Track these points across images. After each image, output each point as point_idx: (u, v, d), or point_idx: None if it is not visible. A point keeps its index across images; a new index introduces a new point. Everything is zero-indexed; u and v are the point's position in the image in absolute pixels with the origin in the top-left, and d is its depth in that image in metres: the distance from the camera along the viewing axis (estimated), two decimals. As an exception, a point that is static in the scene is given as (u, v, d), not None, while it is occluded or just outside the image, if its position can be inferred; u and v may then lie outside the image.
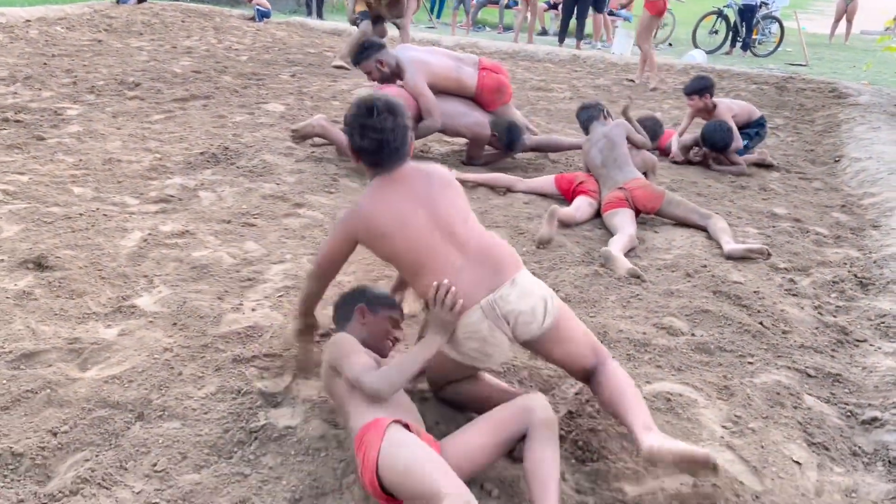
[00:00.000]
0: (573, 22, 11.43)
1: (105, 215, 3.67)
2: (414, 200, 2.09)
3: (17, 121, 5.16)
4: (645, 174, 4.25)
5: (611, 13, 13.47)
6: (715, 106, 5.39)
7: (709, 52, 12.30)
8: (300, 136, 4.66)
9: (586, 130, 4.44)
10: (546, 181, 4.45)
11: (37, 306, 2.75)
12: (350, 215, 2.17)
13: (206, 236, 3.49)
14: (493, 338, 1.98)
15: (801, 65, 11.68)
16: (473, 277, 2.00)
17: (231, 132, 5.30)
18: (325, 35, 10.99)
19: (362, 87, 7.25)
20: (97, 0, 12.35)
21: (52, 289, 2.88)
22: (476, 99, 4.95)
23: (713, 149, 5.13)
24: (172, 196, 4.01)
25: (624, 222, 3.79)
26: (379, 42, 4.93)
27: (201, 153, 4.68)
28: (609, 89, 7.98)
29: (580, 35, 11.64)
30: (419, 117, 4.76)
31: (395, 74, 4.80)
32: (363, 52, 4.78)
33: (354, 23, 8.09)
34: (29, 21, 9.78)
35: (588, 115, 4.45)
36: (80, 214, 3.64)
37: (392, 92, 4.71)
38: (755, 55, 12.91)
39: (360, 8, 8.02)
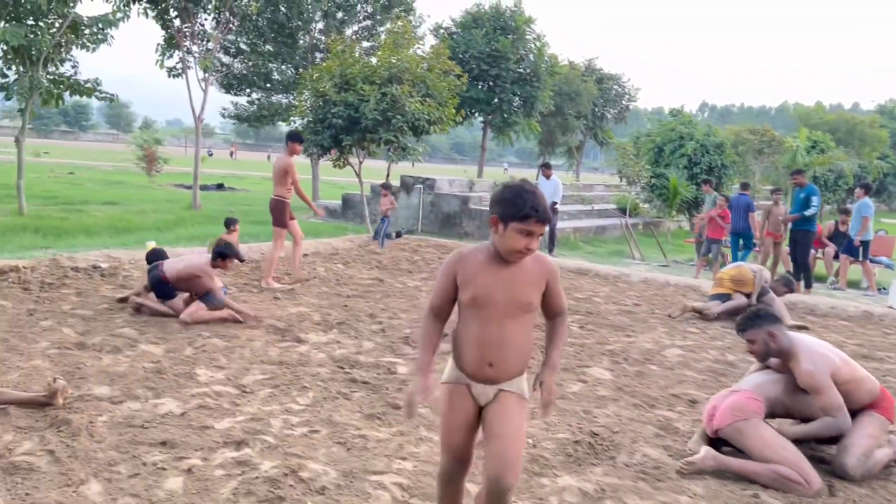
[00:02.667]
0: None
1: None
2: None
3: (364, 382, 5.00)
4: None
5: (871, 259, 12.47)
6: None
7: None
8: (695, 472, 3.94)
9: None
10: None
11: None
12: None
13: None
14: None
15: None
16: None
17: (578, 408, 4.79)
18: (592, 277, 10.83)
19: (708, 349, 6.68)
20: (354, 234, 13.31)
21: None
22: (866, 407, 4.14)
23: None
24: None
25: None
26: (775, 314, 4.37)
27: (575, 442, 4.15)
28: (953, 363, 6.83)
29: (807, 282, 11.11)
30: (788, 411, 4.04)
31: (781, 354, 4.15)
32: (756, 320, 4.22)
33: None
34: (306, 255, 10.49)
35: None
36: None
37: (734, 400, 4.06)
38: None
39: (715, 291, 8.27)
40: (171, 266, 6.25)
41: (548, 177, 14.30)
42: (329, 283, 8.61)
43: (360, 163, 14.48)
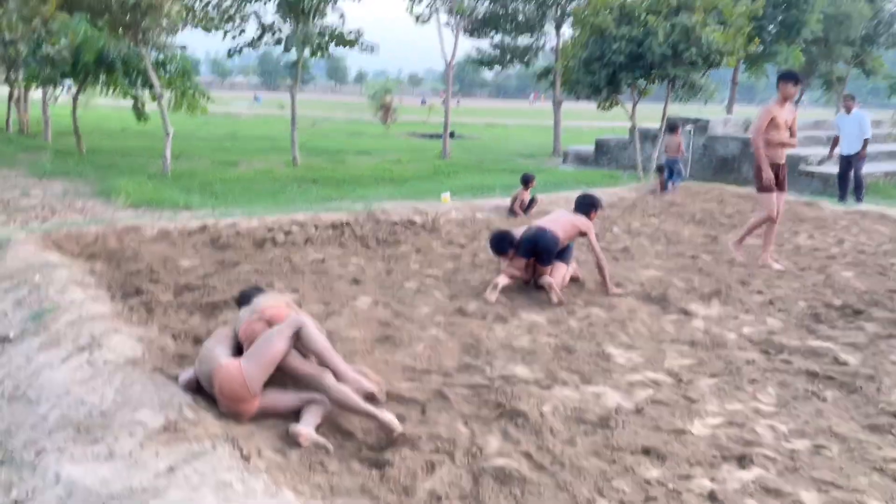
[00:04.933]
0: None
1: None
2: None
3: (828, 377, 4.00)
4: None
5: None
6: None
7: None
8: None
9: None
10: None
11: None
12: None
13: None
14: None
15: None
16: None
17: None
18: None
19: None
20: (620, 181, 12.24)
21: None
22: None
23: None
24: None
25: None
26: None
27: None
28: None
29: None
30: None
31: None
32: None
33: None
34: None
35: None
36: None
37: None
38: None
39: None
40: (555, 225, 5.56)
41: (849, 109, 12.08)
42: (658, 240, 7.64)
43: (635, 103, 13.25)
